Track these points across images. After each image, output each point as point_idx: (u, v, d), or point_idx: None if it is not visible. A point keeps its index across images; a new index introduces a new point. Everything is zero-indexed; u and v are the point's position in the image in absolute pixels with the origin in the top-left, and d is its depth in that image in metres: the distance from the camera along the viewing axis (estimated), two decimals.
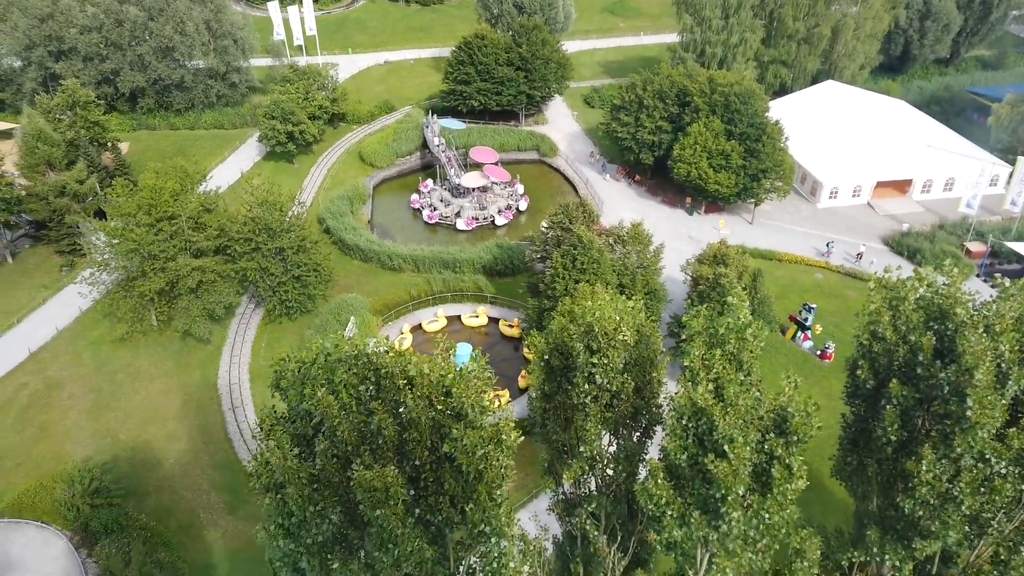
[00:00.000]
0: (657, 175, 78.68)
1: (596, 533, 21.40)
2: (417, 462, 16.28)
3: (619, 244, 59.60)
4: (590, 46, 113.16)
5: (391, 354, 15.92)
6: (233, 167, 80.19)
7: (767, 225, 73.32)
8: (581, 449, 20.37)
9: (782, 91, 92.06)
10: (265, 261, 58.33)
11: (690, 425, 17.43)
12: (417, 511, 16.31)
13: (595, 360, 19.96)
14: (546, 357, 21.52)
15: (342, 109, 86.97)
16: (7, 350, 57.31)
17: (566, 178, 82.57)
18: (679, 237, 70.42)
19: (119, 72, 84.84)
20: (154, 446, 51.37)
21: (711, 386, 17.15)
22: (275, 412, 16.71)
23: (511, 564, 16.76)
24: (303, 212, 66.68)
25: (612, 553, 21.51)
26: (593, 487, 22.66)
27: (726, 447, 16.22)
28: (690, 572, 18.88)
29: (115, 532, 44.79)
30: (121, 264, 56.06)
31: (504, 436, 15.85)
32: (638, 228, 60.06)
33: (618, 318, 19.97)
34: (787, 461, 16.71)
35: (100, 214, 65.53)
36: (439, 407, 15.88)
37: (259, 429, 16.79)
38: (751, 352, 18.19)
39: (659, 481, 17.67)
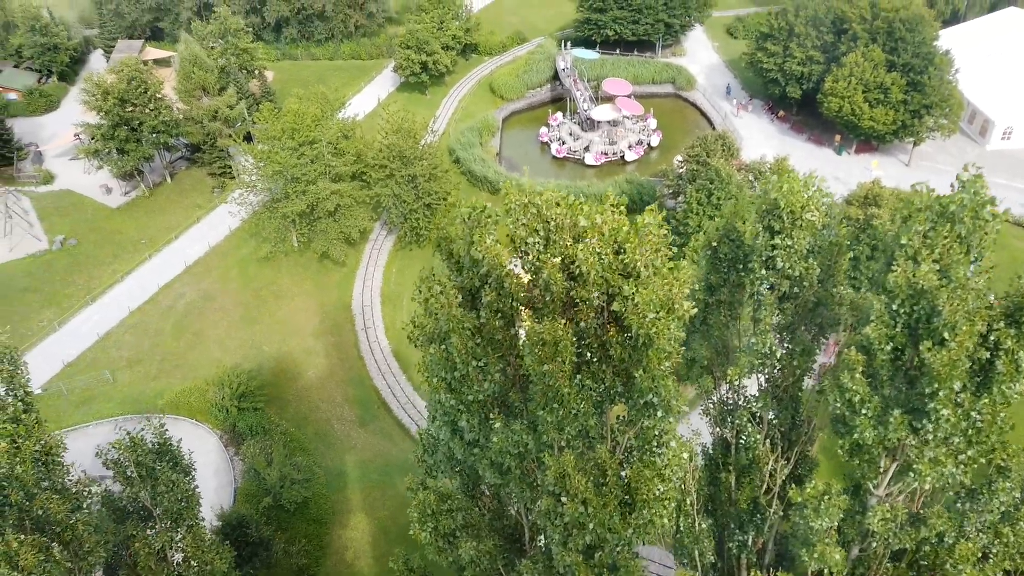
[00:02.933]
0: (803, 111, 73.29)
1: (758, 437, 19.83)
2: (583, 324, 15.30)
3: (759, 180, 56.11)
4: None
5: (562, 205, 14.87)
6: (369, 97, 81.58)
7: (926, 167, 66.89)
8: (753, 341, 18.71)
9: (953, 19, 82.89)
10: (398, 188, 59.08)
11: (902, 311, 15.37)
12: (579, 377, 15.43)
13: (777, 241, 18.12)
14: (714, 244, 19.91)
15: (474, 40, 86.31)
16: (167, 263, 61.47)
17: (703, 113, 78.43)
18: (825, 178, 65.12)
19: (266, 1, 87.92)
20: (294, 359, 53.86)
21: (935, 266, 14.88)
22: (433, 275, 16.25)
23: (672, 443, 15.63)
24: (435, 140, 67.02)
25: (773, 460, 19.91)
26: (754, 390, 21.00)
27: (946, 334, 14.06)
28: (870, 484, 17.01)
29: (259, 434, 47.49)
30: (266, 186, 58.44)
31: (677, 304, 14.56)
32: (782, 163, 56.29)
33: (806, 195, 18.04)
34: (1017, 355, 14.36)
35: (248, 139, 68.50)
36: (610, 263, 14.69)
37: (417, 291, 16.41)
38: (986, 235, 15.51)
39: (856, 376, 15.63)
